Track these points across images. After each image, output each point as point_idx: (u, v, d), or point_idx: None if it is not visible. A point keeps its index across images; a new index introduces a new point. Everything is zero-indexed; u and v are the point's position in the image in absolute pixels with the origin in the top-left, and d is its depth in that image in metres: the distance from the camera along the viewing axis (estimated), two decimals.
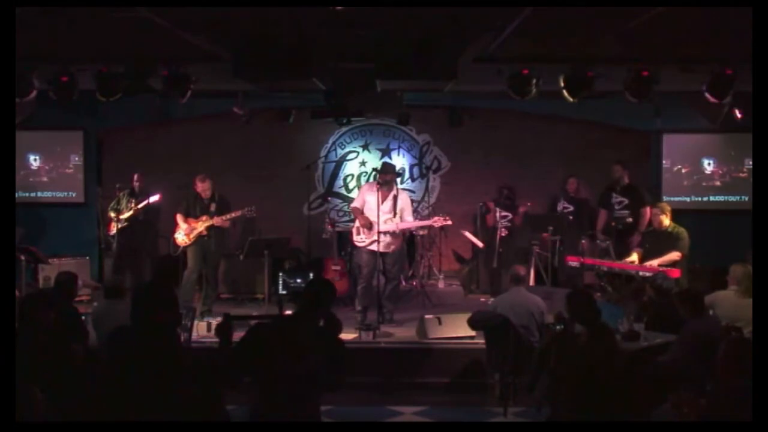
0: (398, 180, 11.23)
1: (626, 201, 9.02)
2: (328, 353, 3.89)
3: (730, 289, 6.42)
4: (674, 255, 7.66)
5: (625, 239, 8.68)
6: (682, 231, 7.84)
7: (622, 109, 9.87)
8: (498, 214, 9.35)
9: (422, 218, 9.46)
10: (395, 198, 8.21)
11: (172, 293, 3.14)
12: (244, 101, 9.77)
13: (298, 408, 3.88)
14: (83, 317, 6.34)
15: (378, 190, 8.09)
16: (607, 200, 9.18)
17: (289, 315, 4.51)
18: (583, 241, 9.37)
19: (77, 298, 7.42)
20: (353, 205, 8.54)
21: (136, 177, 9.14)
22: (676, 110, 10.19)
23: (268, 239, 8.56)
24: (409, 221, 8.39)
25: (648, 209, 8.68)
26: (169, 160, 11.08)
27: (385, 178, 8.21)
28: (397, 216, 8.18)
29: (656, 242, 7.88)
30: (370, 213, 8.16)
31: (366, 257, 8.17)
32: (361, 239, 8.24)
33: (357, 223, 8.32)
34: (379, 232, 8.00)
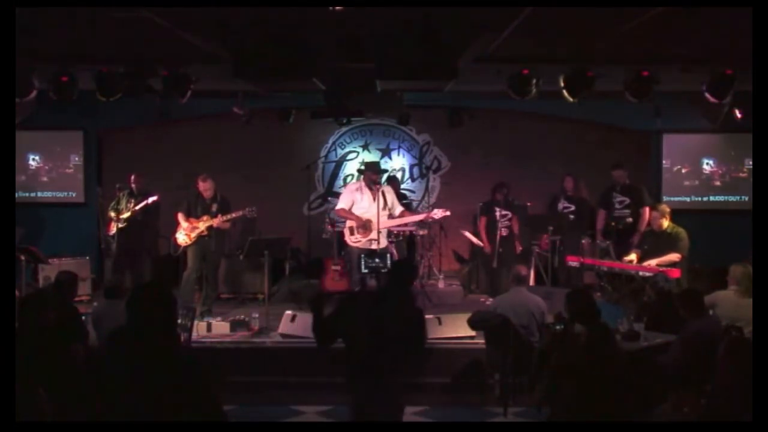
0: (399, 178, 11.35)
1: (627, 200, 9.03)
2: (409, 326, 4.33)
3: (730, 289, 6.41)
4: (674, 256, 7.66)
5: (625, 239, 8.68)
6: (681, 231, 7.83)
7: (622, 109, 9.87)
8: (498, 213, 9.34)
9: (420, 212, 9.38)
10: (383, 194, 8.19)
11: (168, 294, 3.12)
12: (244, 101, 9.77)
13: (382, 382, 4.26)
14: (83, 317, 6.34)
15: (376, 190, 8.09)
16: (608, 200, 9.18)
17: (376, 291, 5.09)
18: (583, 241, 9.37)
19: (77, 298, 7.42)
20: (339, 206, 8.40)
21: (133, 177, 9.14)
22: (676, 110, 10.20)
23: (268, 239, 8.56)
24: (399, 210, 8.36)
25: (647, 209, 8.68)
26: (169, 160, 11.09)
27: (376, 179, 8.21)
28: (388, 210, 8.18)
29: (655, 243, 7.87)
30: (363, 213, 8.12)
31: (358, 257, 8.08)
32: (356, 239, 8.19)
33: (349, 224, 8.26)
34: (380, 231, 8.00)
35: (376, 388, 4.29)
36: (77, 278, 6.64)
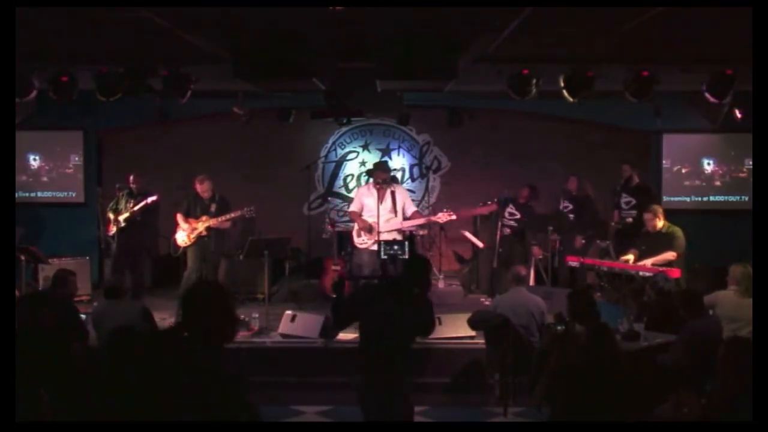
0: (399, 178, 11.33)
1: (634, 201, 9.02)
2: (419, 313, 4.71)
3: (730, 289, 6.41)
4: (669, 254, 7.63)
5: (626, 240, 8.66)
6: (677, 230, 7.81)
7: (622, 109, 9.87)
8: (507, 211, 9.33)
9: (425, 215, 9.37)
10: (393, 194, 8.22)
11: (224, 291, 2.99)
12: (244, 101, 9.77)
13: (392, 366, 4.58)
14: (83, 317, 6.34)
15: (378, 191, 8.14)
16: (618, 200, 9.19)
17: (392, 280, 5.48)
18: (583, 240, 9.36)
19: (77, 298, 7.42)
20: (350, 209, 8.61)
21: (132, 178, 9.12)
22: (676, 110, 10.20)
23: (268, 239, 8.55)
24: (411, 210, 8.40)
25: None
26: (168, 160, 11.09)
27: (384, 177, 8.24)
28: (399, 213, 8.21)
29: (652, 243, 7.84)
30: (371, 216, 8.18)
31: (367, 258, 8.17)
32: (362, 241, 8.27)
33: (356, 226, 8.34)
34: (379, 232, 8.01)
35: (386, 372, 4.54)
36: (74, 275, 6.61)
